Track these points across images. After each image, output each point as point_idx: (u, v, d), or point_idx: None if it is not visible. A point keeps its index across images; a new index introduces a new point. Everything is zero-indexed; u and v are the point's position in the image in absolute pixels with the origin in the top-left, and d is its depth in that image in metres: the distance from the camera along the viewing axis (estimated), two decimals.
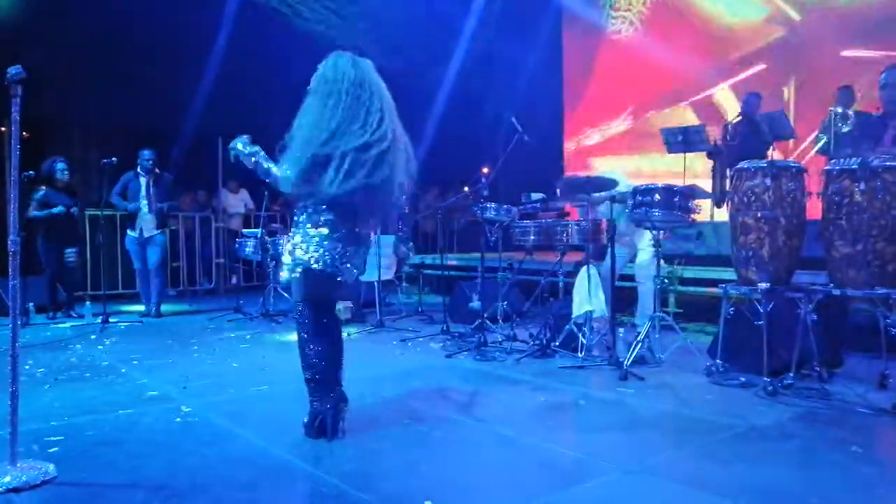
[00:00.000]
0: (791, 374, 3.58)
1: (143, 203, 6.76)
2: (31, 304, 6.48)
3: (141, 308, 7.00)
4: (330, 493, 2.31)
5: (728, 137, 7.32)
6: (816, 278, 3.98)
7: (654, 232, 4.37)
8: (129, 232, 6.87)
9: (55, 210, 6.54)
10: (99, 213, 6.72)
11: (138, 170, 6.82)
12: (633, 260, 5.15)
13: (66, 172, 6.75)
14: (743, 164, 3.99)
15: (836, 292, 3.58)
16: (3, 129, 8.42)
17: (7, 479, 2.35)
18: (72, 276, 7.00)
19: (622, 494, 2.32)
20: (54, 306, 6.81)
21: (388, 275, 6.83)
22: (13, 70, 2.44)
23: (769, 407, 3.33)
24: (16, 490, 2.32)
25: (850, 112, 6.49)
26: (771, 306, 3.67)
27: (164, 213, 6.90)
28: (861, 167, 3.47)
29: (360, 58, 2.90)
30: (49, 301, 6.78)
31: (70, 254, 6.82)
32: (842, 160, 3.62)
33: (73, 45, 8.04)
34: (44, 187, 6.62)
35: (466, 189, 9.40)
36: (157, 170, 6.86)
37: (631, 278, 5.18)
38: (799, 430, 3.00)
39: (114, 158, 6.28)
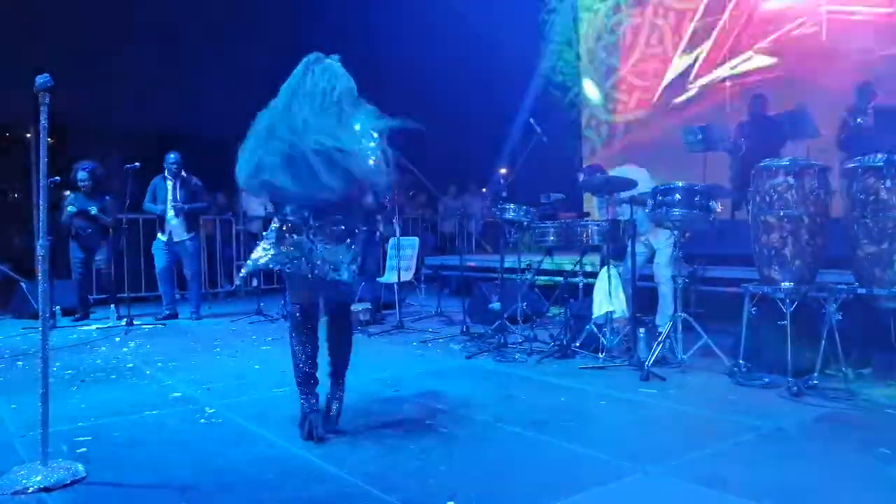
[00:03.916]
0: (816, 375, 3.54)
1: (170, 207, 6.81)
2: (57, 307, 6.59)
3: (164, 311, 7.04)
4: (354, 493, 2.33)
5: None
6: (842, 277, 3.93)
7: (674, 232, 4.34)
8: (158, 235, 6.94)
9: (65, 214, 6.65)
10: (122, 217, 6.81)
11: (165, 174, 6.88)
12: (651, 259, 5.11)
13: (85, 182, 6.74)
14: (765, 163, 3.95)
15: (862, 291, 3.53)
16: (28, 134, 8.60)
17: (38, 478, 2.40)
18: (103, 281, 7.08)
19: (644, 495, 2.31)
20: (83, 310, 6.88)
21: (407, 276, 6.86)
22: (41, 79, 2.48)
23: (794, 408, 3.29)
24: (47, 489, 2.38)
25: (870, 108, 6.42)
26: (795, 306, 3.63)
27: (188, 213, 6.85)
28: (887, 164, 3.42)
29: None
30: (78, 304, 6.87)
31: (99, 262, 6.91)
32: (866, 157, 3.57)
33: (95, 47, 8.17)
34: (71, 193, 6.76)
35: (484, 190, 9.41)
36: (183, 173, 6.89)
37: (650, 278, 5.14)
38: (824, 432, 2.97)
39: (137, 163, 6.37)
